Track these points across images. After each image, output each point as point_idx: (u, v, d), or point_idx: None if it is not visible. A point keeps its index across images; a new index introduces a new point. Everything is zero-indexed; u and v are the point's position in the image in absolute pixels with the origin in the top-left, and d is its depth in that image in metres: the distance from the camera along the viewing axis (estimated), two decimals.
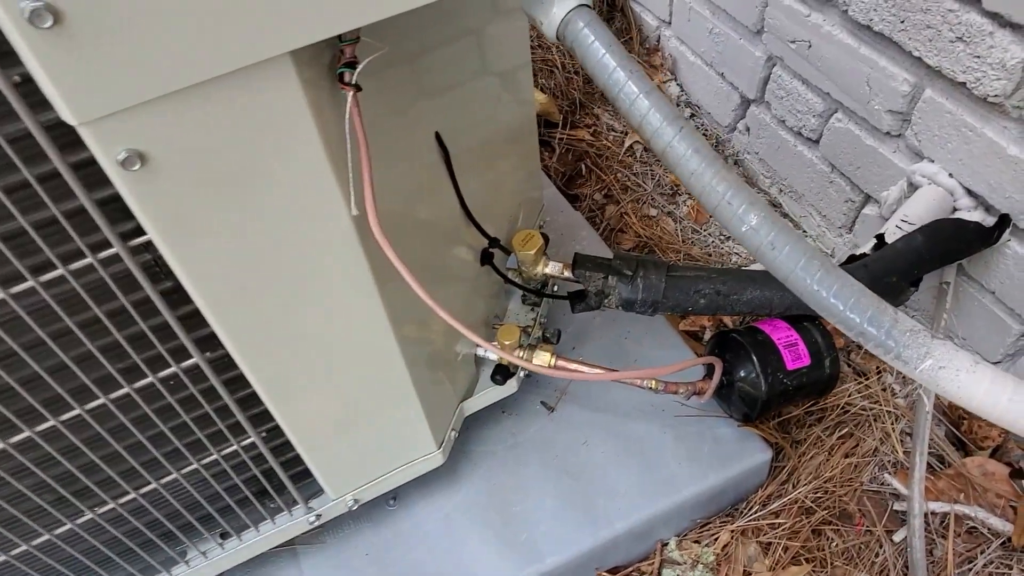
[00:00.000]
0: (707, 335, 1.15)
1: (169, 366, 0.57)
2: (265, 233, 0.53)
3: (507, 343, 0.85)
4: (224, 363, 0.60)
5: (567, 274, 0.92)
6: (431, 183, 0.70)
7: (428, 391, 0.77)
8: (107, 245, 0.49)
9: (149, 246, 0.51)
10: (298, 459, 0.73)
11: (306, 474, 0.76)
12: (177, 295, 0.54)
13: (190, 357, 0.58)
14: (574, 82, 1.57)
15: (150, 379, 0.57)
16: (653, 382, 0.84)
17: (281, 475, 0.73)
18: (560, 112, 1.53)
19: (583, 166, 1.46)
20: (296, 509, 0.78)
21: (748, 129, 1.41)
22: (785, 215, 1.37)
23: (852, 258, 0.96)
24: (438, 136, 0.67)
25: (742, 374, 0.85)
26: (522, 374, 0.89)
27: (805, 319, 0.88)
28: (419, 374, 0.74)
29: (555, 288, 0.98)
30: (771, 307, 0.88)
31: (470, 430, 0.95)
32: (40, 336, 0.51)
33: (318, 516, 0.79)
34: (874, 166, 1.12)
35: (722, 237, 1.35)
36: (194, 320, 0.56)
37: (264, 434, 0.69)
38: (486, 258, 0.85)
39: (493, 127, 0.83)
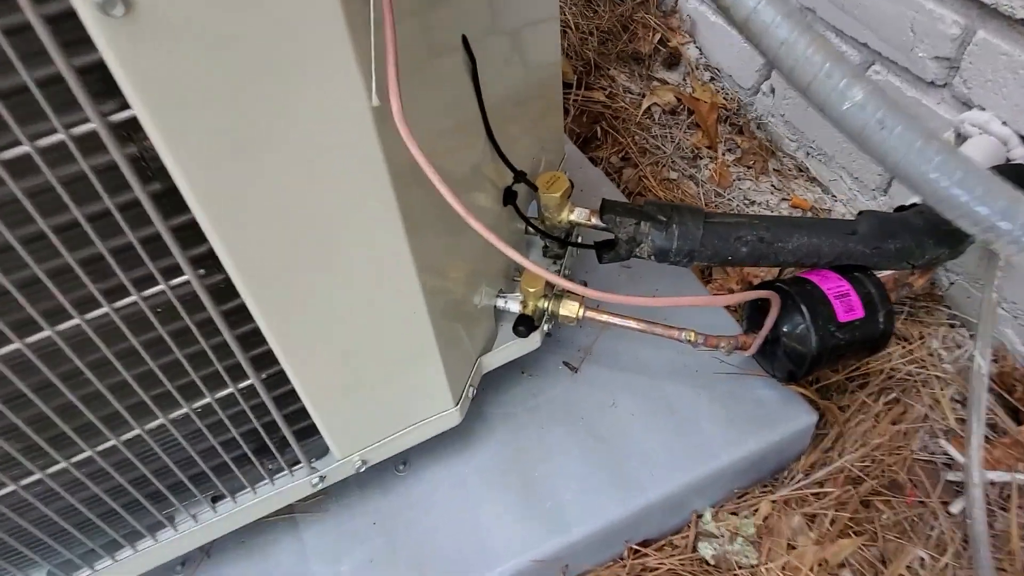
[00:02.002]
0: (736, 286, 1.07)
1: (156, 283, 0.49)
2: (270, 126, 0.45)
3: (532, 290, 0.78)
4: (223, 288, 0.52)
5: (594, 221, 0.85)
6: (454, 101, 0.62)
7: (448, 341, 0.69)
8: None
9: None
10: (302, 412, 0.65)
11: (310, 431, 0.68)
12: (166, 199, 0.46)
13: (181, 274, 0.50)
14: (588, 42, 1.49)
15: (134, 298, 0.49)
16: (692, 334, 0.77)
17: (284, 428, 0.65)
18: (574, 72, 1.45)
19: (598, 128, 1.39)
20: (298, 470, 0.70)
21: (773, 90, 1.33)
22: (812, 180, 1.30)
23: (902, 208, 0.88)
24: (465, 41, 0.59)
25: (788, 327, 0.78)
26: (546, 328, 0.82)
27: (856, 269, 0.80)
28: (440, 321, 0.66)
29: (579, 239, 0.90)
30: (819, 256, 0.80)
31: (487, 392, 0.87)
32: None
33: (322, 478, 0.71)
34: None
35: (747, 201, 1.28)
36: (187, 233, 0.48)
37: (266, 379, 0.61)
38: (509, 198, 0.77)
39: (519, 52, 0.75)
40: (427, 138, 0.55)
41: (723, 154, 1.35)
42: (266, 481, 0.69)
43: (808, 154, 1.31)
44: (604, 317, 0.78)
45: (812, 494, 0.83)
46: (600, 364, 0.89)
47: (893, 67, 1.06)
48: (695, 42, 1.51)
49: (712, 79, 1.46)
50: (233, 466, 0.66)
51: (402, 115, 0.45)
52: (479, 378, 0.79)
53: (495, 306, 0.81)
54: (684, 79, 1.47)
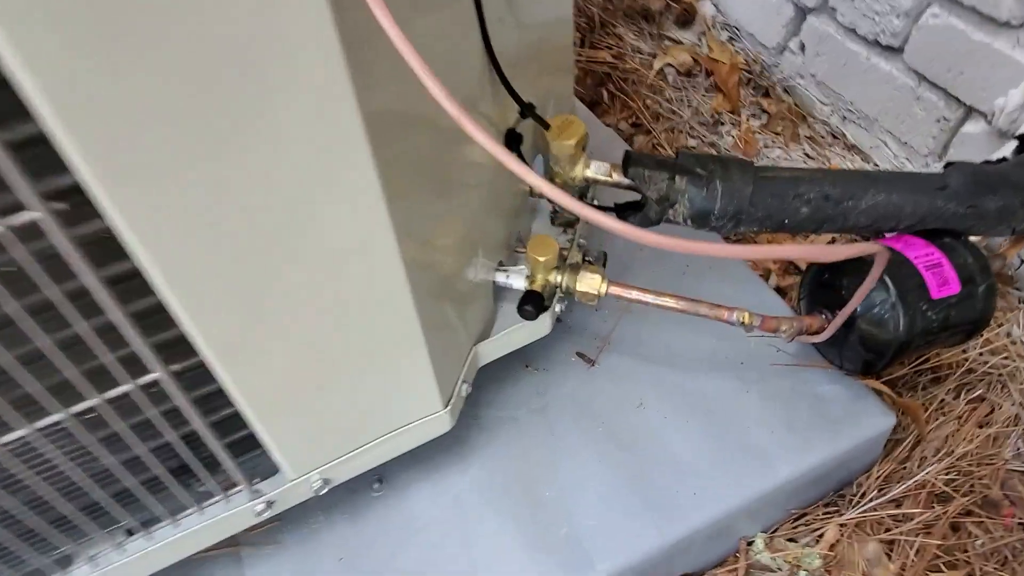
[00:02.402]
0: (772, 279, 0.91)
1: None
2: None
3: (541, 260, 0.61)
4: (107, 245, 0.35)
5: (616, 177, 0.68)
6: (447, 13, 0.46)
7: (435, 326, 0.52)
8: None
9: None
10: (238, 420, 0.48)
11: (250, 443, 0.50)
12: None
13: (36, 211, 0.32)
14: None
15: None
16: (745, 315, 0.60)
17: (209, 441, 0.48)
18: (576, 30, 1.28)
19: (605, 92, 1.22)
20: (236, 494, 0.53)
21: (803, 47, 1.17)
22: (850, 147, 1.13)
23: (987, 163, 0.72)
24: None
25: (866, 306, 0.61)
26: (558, 308, 0.65)
27: (945, 234, 0.64)
28: (425, 301, 0.50)
29: (595, 202, 0.74)
30: (900, 217, 0.64)
31: (484, 390, 0.70)
32: None
33: (268, 504, 0.54)
34: (984, 67, 0.89)
35: None
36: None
37: (181, 374, 0.43)
38: (512, 142, 0.60)
39: None
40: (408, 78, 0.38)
41: (747, 119, 1.18)
42: (192, 510, 0.52)
43: (844, 118, 1.15)
44: (634, 294, 0.62)
45: (890, 516, 0.66)
46: (622, 354, 0.73)
47: (956, 7, 0.90)
48: None
49: (731, 39, 1.30)
50: (142, 492, 0.49)
51: None
52: (474, 372, 0.62)
53: (494, 282, 0.64)
54: (699, 38, 1.31)
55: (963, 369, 0.76)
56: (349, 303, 0.46)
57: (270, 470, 0.54)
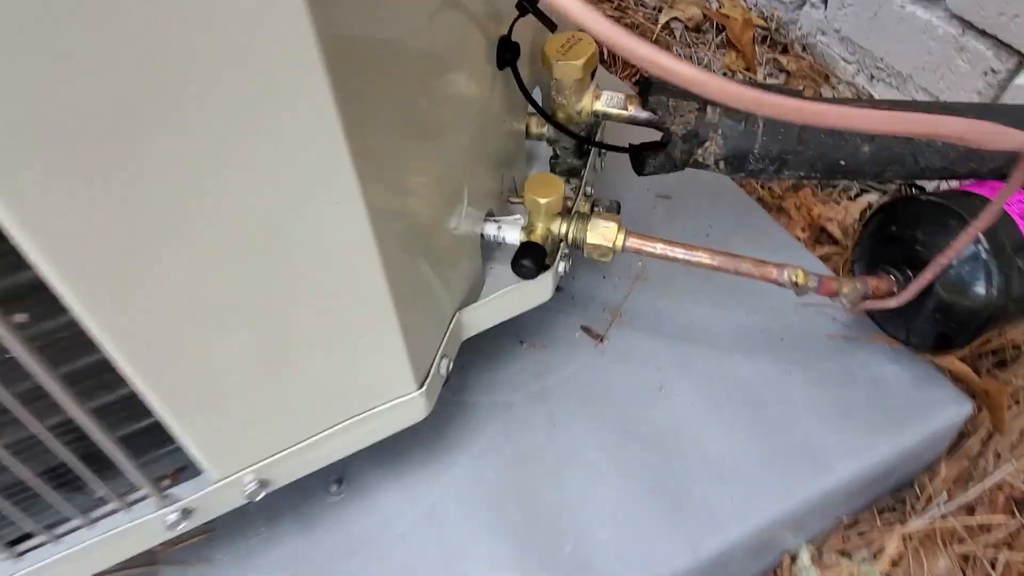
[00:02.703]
0: (802, 234, 0.78)
1: None
2: None
3: (543, 202, 0.48)
4: None
5: (633, 110, 0.55)
6: None
7: (406, 283, 0.39)
8: None
9: None
10: (137, 404, 0.35)
11: (155, 435, 0.37)
12: None
13: None
14: None
15: None
16: (799, 273, 0.48)
17: (95, 434, 0.34)
18: None
19: (605, 48, 1.09)
20: (138, 500, 0.40)
21: (825, 1, 1.05)
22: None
23: None
24: None
25: (951, 267, 0.49)
26: (561, 268, 0.52)
27: None
28: (394, 255, 0.37)
29: (602, 135, 0.61)
30: (982, 160, 0.52)
31: (468, 371, 0.57)
32: None
33: (185, 513, 0.41)
34: None
35: None
36: None
37: (38, 337, 0.30)
38: (506, 54, 0.47)
39: None
40: None
41: (764, 78, 1.06)
42: (77, 522, 0.39)
43: (872, 77, 1.03)
44: (659, 248, 0.49)
45: (963, 524, 0.54)
46: (635, 329, 0.60)
47: None
48: None
49: None
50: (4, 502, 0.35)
51: None
52: (457, 345, 0.50)
53: (482, 235, 0.51)
54: None
55: None
56: (292, 246, 0.33)
57: (184, 468, 0.41)
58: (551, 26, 0.47)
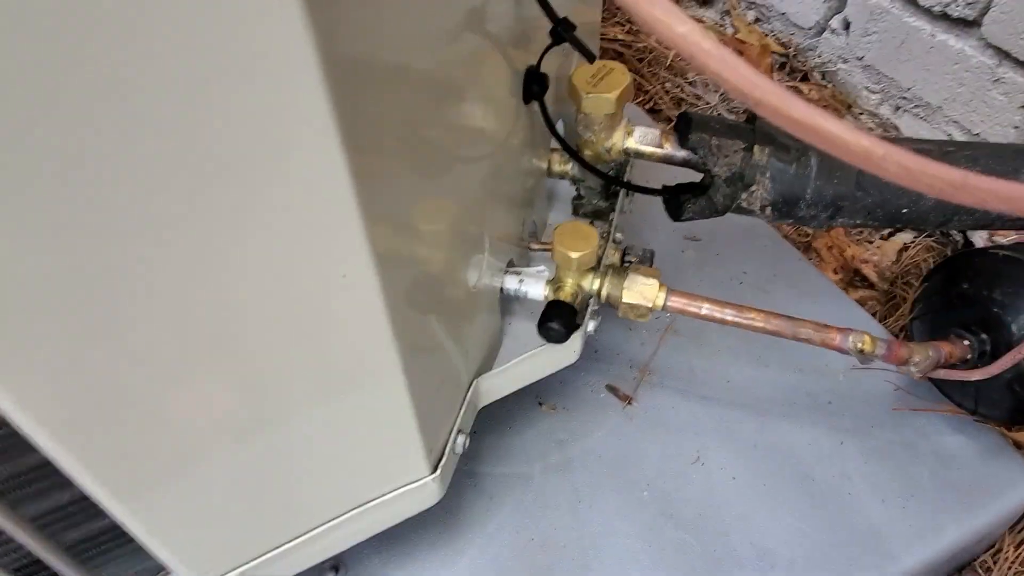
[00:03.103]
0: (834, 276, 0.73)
1: None
2: None
3: (574, 256, 0.42)
4: None
5: (669, 148, 0.50)
6: None
7: (419, 351, 0.33)
8: None
9: None
10: (87, 503, 0.29)
11: (115, 536, 0.31)
12: None
13: None
14: None
15: None
16: (866, 341, 0.42)
17: (31, 544, 0.28)
18: None
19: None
20: None
21: (847, 26, 1.01)
22: (906, 141, 0.97)
23: None
24: None
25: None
26: (591, 326, 0.46)
27: None
28: (405, 313, 0.31)
29: (631, 175, 0.55)
30: None
31: (482, 439, 0.51)
32: None
33: None
34: None
35: None
36: None
37: None
38: (533, 87, 0.42)
39: None
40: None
41: None
42: None
43: (898, 108, 0.98)
44: (705, 309, 0.43)
45: None
46: (667, 389, 0.54)
47: None
48: None
49: (758, 19, 1.13)
50: None
51: None
52: (472, 417, 0.43)
53: (501, 289, 0.45)
54: (723, 18, 1.14)
55: None
56: (287, 310, 0.27)
57: (150, 571, 0.35)
58: (590, 57, 0.41)
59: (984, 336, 0.44)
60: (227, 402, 0.28)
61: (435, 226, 0.34)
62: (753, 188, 0.48)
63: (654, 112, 1.00)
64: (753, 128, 0.48)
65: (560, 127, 0.54)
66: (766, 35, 1.10)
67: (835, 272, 0.76)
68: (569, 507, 0.48)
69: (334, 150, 0.23)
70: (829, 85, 1.04)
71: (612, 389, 0.55)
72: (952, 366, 0.45)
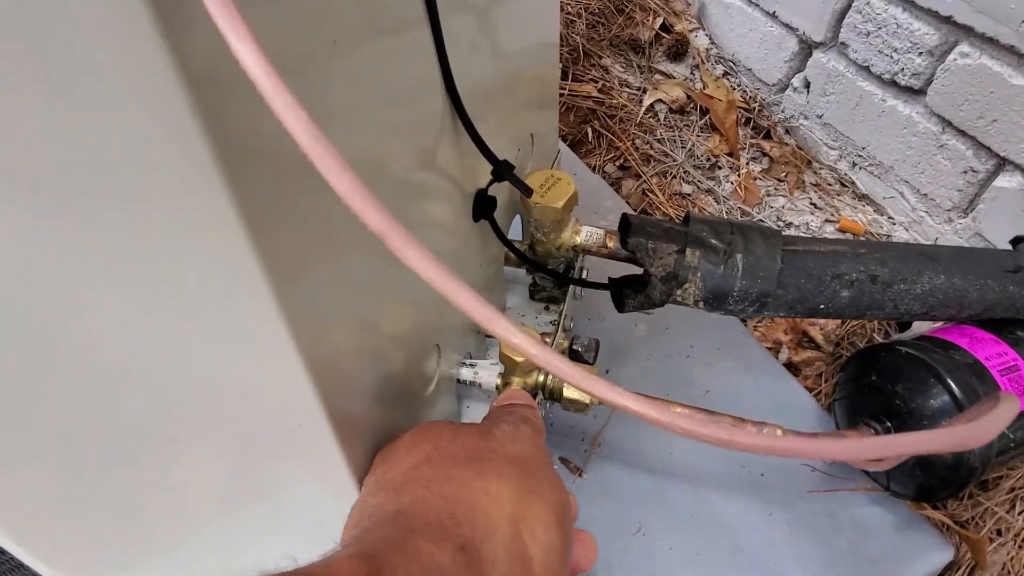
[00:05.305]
0: (783, 354, 0.78)
1: None
2: None
3: (519, 360, 0.47)
4: None
5: (613, 246, 0.55)
6: (390, 43, 0.32)
7: (361, 452, 0.38)
8: None
9: None
10: None
11: None
12: None
13: None
14: (575, 25, 1.21)
15: None
16: (779, 432, 0.47)
17: None
18: (559, 61, 1.16)
19: (590, 129, 1.10)
20: None
21: (808, 85, 1.06)
22: (860, 197, 1.02)
23: (1017, 241, 0.59)
24: None
25: (928, 423, 0.48)
26: (541, 413, 0.51)
27: (1016, 325, 0.52)
28: (346, 420, 0.35)
29: (585, 274, 0.61)
30: (962, 305, 0.52)
31: None
32: None
33: None
34: (1022, 115, 0.78)
35: (781, 223, 0.99)
36: None
37: None
38: (482, 207, 0.47)
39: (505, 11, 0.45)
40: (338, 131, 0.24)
41: (747, 163, 1.07)
42: None
43: (854, 164, 1.03)
44: (636, 405, 0.48)
45: None
46: (615, 462, 0.59)
47: (990, 47, 0.79)
48: (704, 29, 1.24)
49: (726, 73, 1.19)
50: None
51: None
52: None
53: (457, 379, 0.51)
54: (692, 72, 1.19)
55: (1020, 474, 0.64)
56: (212, 417, 0.32)
57: None
58: (527, 191, 0.47)
59: (889, 425, 0.50)
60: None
61: (384, 325, 0.38)
62: (686, 285, 0.53)
63: (624, 168, 1.05)
64: (685, 232, 0.53)
65: (516, 223, 0.60)
66: (734, 88, 1.16)
67: (785, 333, 0.82)
68: None
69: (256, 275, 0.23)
70: (791, 141, 1.09)
71: (565, 461, 0.60)
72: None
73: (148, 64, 0.17)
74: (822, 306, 0.53)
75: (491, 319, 0.21)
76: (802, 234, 0.95)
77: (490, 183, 0.45)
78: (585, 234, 0.55)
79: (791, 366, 0.78)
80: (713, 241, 0.53)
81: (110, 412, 0.29)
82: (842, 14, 0.96)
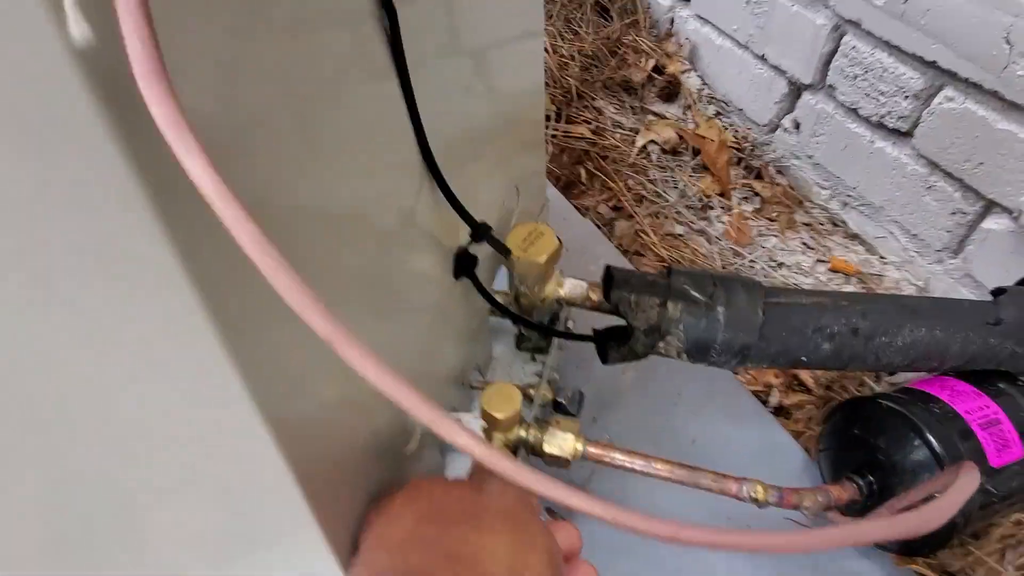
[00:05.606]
0: (774, 397, 0.78)
1: None
2: None
3: (500, 417, 0.48)
4: None
5: (596, 298, 0.56)
6: (360, 101, 0.33)
7: (338, 522, 0.38)
8: None
9: None
10: None
11: None
12: None
13: None
14: (569, 67, 1.23)
15: None
16: (759, 488, 0.47)
17: None
18: (552, 102, 1.18)
19: (583, 170, 1.11)
20: None
21: (798, 125, 1.07)
22: (852, 236, 1.03)
23: (998, 292, 0.59)
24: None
25: (909, 477, 0.48)
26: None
27: (997, 377, 0.52)
28: (319, 481, 0.35)
29: (570, 325, 0.61)
30: (943, 358, 0.52)
31: None
32: None
33: None
34: (1007, 159, 0.79)
35: (773, 263, 1.00)
36: None
37: None
38: (463, 265, 0.48)
39: (487, 59, 0.47)
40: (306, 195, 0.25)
41: (739, 204, 1.08)
42: None
43: (846, 204, 1.04)
44: (617, 458, 0.48)
45: None
46: None
47: (975, 91, 0.80)
48: (696, 70, 1.25)
49: (718, 113, 1.21)
50: None
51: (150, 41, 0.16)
52: None
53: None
54: (684, 113, 1.21)
55: (1011, 521, 0.64)
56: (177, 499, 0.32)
57: None
58: (504, 251, 0.47)
59: (871, 478, 0.50)
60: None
61: (362, 387, 0.39)
62: (669, 338, 0.54)
63: (616, 209, 1.06)
64: (667, 285, 0.54)
65: (502, 273, 0.60)
66: (725, 128, 1.17)
67: (776, 376, 0.82)
68: None
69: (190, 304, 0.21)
70: (782, 181, 1.10)
71: (551, 512, 0.60)
72: (847, 504, 0.50)
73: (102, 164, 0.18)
74: (804, 358, 0.53)
75: (436, 421, 0.22)
76: (786, 285, 0.96)
77: (469, 243, 0.46)
78: (569, 287, 0.56)
79: (782, 409, 0.78)
80: (695, 294, 0.53)
81: (69, 470, 0.29)
82: (829, 57, 0.98)
